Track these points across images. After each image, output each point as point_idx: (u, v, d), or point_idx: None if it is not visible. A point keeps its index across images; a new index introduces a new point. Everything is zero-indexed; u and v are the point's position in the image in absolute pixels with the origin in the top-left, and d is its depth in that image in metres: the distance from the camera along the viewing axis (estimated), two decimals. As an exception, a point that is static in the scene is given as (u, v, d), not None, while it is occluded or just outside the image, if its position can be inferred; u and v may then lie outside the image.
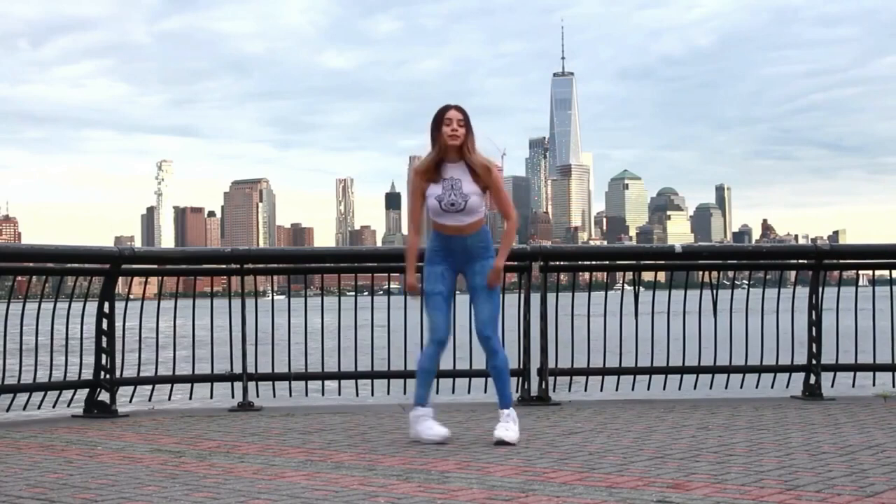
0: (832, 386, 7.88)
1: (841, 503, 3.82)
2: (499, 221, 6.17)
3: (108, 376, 7.22)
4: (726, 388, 7.93)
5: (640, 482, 4.28)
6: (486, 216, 5.72)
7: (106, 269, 7.42)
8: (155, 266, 8.21)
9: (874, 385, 8.17)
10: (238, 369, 7.62)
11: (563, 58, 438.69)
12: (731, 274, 9.86)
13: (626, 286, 8.03)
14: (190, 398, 7.83)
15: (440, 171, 5.58)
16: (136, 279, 8.00)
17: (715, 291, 8.01)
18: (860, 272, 8.63)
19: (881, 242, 8.72)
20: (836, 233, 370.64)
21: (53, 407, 7.26)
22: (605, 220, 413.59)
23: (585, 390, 8.27)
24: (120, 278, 7.61)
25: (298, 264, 8.48)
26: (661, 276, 8.46)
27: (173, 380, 7.69)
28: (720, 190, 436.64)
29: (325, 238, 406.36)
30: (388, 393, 7.95)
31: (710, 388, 8.02)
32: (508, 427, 5.48)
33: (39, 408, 7.20)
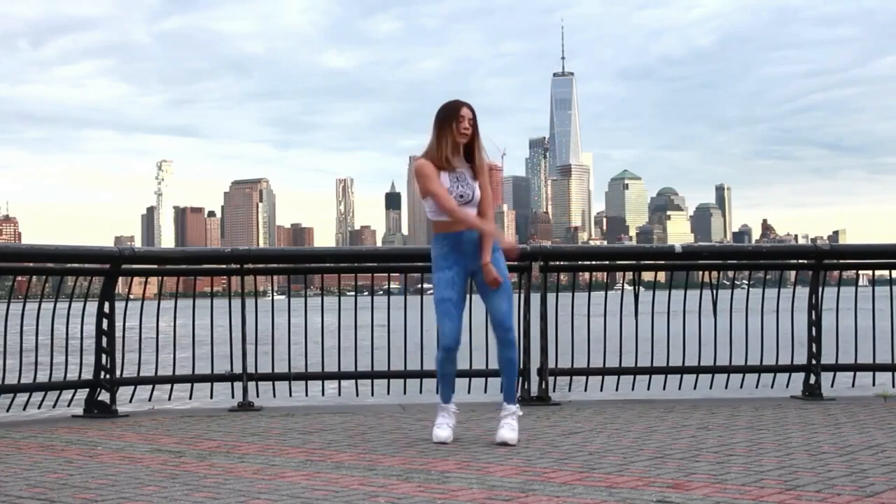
0: (832, 386, 7.88)
1: (841, 503, 3.83)
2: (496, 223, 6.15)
3: (108, 376, 7.22)
4: (726, 388, 7.93)
5: (640, 482, 4.29)
6: None
7: (106, 269, 7.42)
8: (155, 266, 8.21)
9: (874, 385, 8.17)
10: (238, 369, 7.62)
11: (563, 58, 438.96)
12: (731, 274, 9.86)
13: (626, 286, 8.03)
14: (190, 398, 7.83)
15: (450, 160, 5.57)
16: (136, 279, 8.00)
17: (715, 291, 8.01)
18: (860, 272, 8.63)
19: (881, 242, 8.72)
20: (836, 233, 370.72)
21: (53, 407, 7.26)
22: (605, 220, 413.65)
23: (585, 390, 8.27)
24: (120, 278, 7.61)
25: (298, 264, 8.48)
26: (661, 276, 8.46)
27: (173, 380, 7.69)
28: (720, 190, 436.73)
29: (325, 238, 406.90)
30: (388, 393, 7.95)
31: (710, 388, 8.02)
32: (514, 427, 5.48)
33: (39, 408, 7.20)
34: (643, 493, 4.05)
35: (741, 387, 7.92)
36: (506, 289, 5.64)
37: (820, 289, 7.94)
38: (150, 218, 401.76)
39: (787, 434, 5.74)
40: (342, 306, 7.84)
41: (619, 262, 8.64)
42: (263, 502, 3.99)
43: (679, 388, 7.93)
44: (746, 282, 8.89)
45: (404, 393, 7.87)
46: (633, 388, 7.93)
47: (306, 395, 8.01)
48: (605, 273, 8.84)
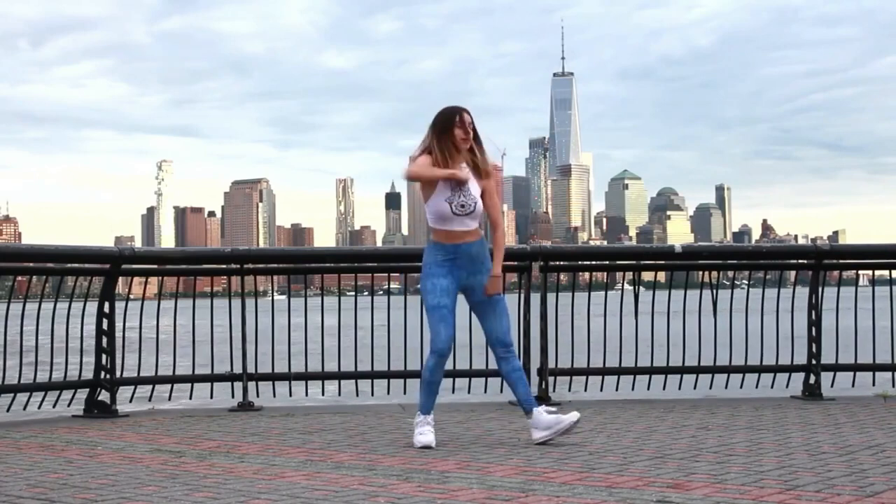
0: (832, 386, 7.88)
1: (841, 503, 3.83)
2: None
3: (108, 376, 7.22)
4: (726, 388, 7.93)
5: (640, 482, 4.29)
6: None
7: (106, 269, 7.42)
8: (155, 266, 8.21)
9: (874, 385, 8.17)
10: (238, 369, 7.62)
11: (563, 58, 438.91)
12: (731, 274, 9.86)
13: (626, 286, 8.03)
14: (190, 398, 7.83)
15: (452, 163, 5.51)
16: (137, 279, 8.00)
17: (715, 291, 8.01)
18: (860, 272, 8.63)
19: (881, 242, 8.72)
20: (836, 233, 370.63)
21: (53, 407, 7.26)
22: (605, 220, 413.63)
23: (585, 390, 8.27)
24: (120, 278, 7.61)
25: (298, 264, 8.48)
26: (661, 276, 8.46)
27: (173, 380, 7.69)
28: (720, 190, 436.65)
29: (325, 238, 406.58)
30: (388, 393, 7.95)
31: (710, 388, 8.02)
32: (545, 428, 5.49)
33: (39, 408, 7.20)
34: (643, 493, 4.05)
35: (741, 387, 7.92)
36: (503, 309, 5.61)
37: (820, 289, 7.95)
38: (150, 218, 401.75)
39: (787, 434, 5.74)
40: (342, 306, 7.84)
41: (619, 262, 8.64)
42: (263, 502, 3.99)
43: (679, 388, 7.93)
44: (746, 282, 8.89)
45: (404, 393, 7.87)
46: (633, 388, 7.93)
47: (306, 395, 8.01)
48: (605, 273, 8.83)
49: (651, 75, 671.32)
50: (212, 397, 7.79)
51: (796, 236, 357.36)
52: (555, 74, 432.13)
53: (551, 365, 7.62)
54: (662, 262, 8.40)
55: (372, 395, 7.84)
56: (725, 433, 5.79)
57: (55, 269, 7.48)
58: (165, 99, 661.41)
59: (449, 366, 7.26)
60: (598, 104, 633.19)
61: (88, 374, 7.37)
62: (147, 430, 6.34)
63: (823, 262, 8.02)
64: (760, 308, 7.94)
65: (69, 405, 7.28)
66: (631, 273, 8.14)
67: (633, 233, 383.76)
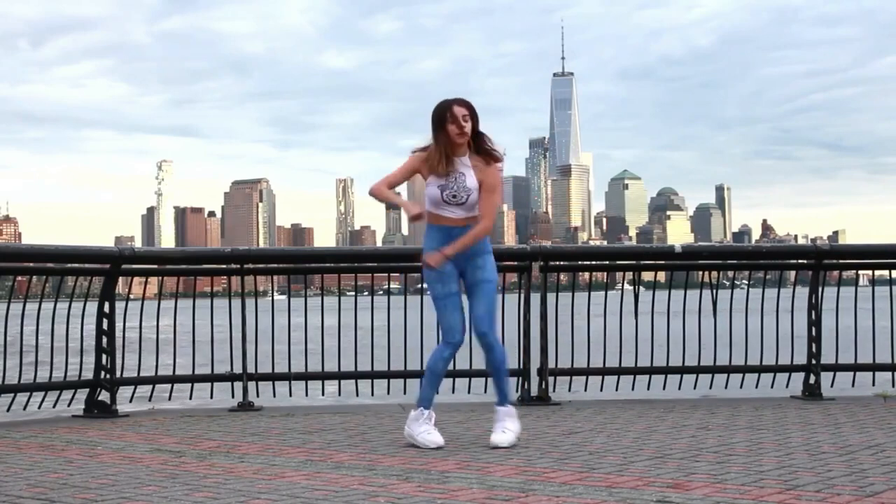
0: (832, 386, 7.88)
1: (841, 503, 3.83)
2: (497, 223, 6.08)
3: (108, 376, 7.22)
4: (726, 388, 7.93)
5: (640, 482, 4.29)
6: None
7: (106, 269, 7.42)
8: (155, 266, 8.20)
9: (874, 385, 8.17)
10: (238, 369, 7.62)
11: (563, 58, 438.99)
12: (731, 274, 9.86)
13: (626, 286, 8.03)
14: (190, 398, 7.83)
15: (447, 165, 5.42)
16: (137, 279, 8.00)
17: (715, 291, 8.01)
18: (860, 272, 8.63)
19: (881, 242, 8.71)
20: (836, 233, 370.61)
21: (53, 407, 7.26)
22: (605, 220, 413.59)
23: (585, 390, 8.27)
24: (120, 278, 7.61)
25: (298, 264, 8.48)
26: (661, 276, 8.46)
27: (173, 380, 7.69)
28: (720, 190, 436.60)
29: (325, 238, 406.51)
30: (388, 393, 7.95)
31: (710, 388, 8.02)
32: (505, 428, 5.41)
33: (39, 408, 7.20)
34: (643, 493, 4.05)
35: (741, 387, 7.92)
36: (486, 292, 5.48)
37: (820, 289, 7.95)
38: (150, 218, 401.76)
39: (787, 434, 5.74)
40: (342, 306, 7.84)
41: (619, 262, 8.64)
42: (263, 502, 3.99)
43: (679, 388, 7.93)
44: (746, 282, 8.89)
45: (404, 393, 7.86)
46: (633, 388, 7.93)
47: (306, 395, 8.01)
48: (605, 273, 8.83)
49: (651, 75, 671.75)
50: (212, 397, 7.79)
51: (796, 236, 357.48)
52: (555, 74, 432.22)
53: (551, 365, 7.62)
54: (662, 262, 8.40)
55: (372, 395, 7.84)
56: (725, 433, 5.79)
57: (55, 269, 7.48)
58: (165, 99, 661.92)
59: (448, 366, 7.30)
60: (598, 104, 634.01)
61: (88, 374, 7.36)
62: (147, 430, 6.34)
63: (823, 262, 8.02)
64: (760, 308, 7.94)
65: (69, 405, 7.28)
66: (631, 273, 8.14)
67: (633, 233, 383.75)
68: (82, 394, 7.27)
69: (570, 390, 8.11)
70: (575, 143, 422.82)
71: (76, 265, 7.44)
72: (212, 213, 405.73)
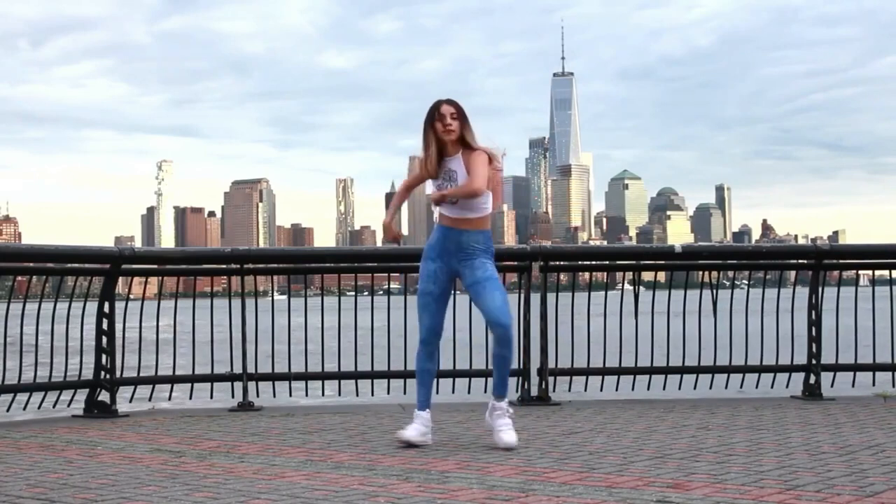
0: (832, 386, 7.87)
1: (841, 503, 3.83)
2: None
3: (108, 376, 7.22)
4: (726, 388, 7.92)
5: (640, 482, 4.28)
6: (490, 217, 5.55)
7: (106, 269, 7.42)
8: (155, 266, 8.20)
9: (874, 385, 8.17)
10: (238, 369, 7.62)
11: (563, 58, 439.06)
12: (731, 274, 9.86)
13: (626, 286, 8.03)
14: (190, 398, 7.83)
15: (440, 165, 5.47)
16: (136, 279, 8.00)
17: (715, 291, 8.00)
18: (860, 272, 8.63)
19: (881, 242, 8.71)
20: (836, 233, 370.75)
21: (53, 407, 7.26)
22: (605, 220, 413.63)
23: (585, 390, 8.27)
24: (120, 278, 7.61)
25: (298, 264, 8.47)
26: (661, 276, 8.46)
27: (173, 380, 7.69)
28: (720, 190, 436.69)
29: (325, 238, 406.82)
30: (388, 393, 7.95)
31: (710, 388, 8.01)
32: (511, 427, 5.39)
33: (39, 408, 7.20)
34: (643, 493, 4.05)
35: (741, 387, 7.92)
36: (497, 286, 5.46)
37: (820, 289, 7.94)
38: (150, 218, 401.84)
39: (787, 434, 5.74)
40: (342, 306, 7.84)
41: (619, 262, 8.63)
42: (263, 502, 3.99)
43: (679, 388, 7.92)
44: (746, 282, 8.89)
45: (404, 393, 7.86)
46: (633, 388, 7.93)
47: (306, 395, 8.01)
48: (605, 273, 8.83)
49: (651, 75, 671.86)
50: (212, 397, 7.79)
51: (796, 236, 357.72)
52: (555, 74, 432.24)
53: (551, 365, 7.61)
54: (662, 262, 8.39)
55: (372, 395, 7.84)
56: (725, 433, 5.79)
57: (55, 269, 7.48)
58: (165, 99, 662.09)
59: (449, 366, 7.30)
60: (598, 104, 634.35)
61: (88, 374, 7.36)
62: (147, 430, 6.34)
63: (823, 262, 8.02)
64: (760, 308, 7.94)
65: (69, 405, 7.28)
66: (631, 273, 8.14)
67: (633, 233, 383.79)
68: (82, 394, 7.27)
69: (570, 390, 8.11)
70: (575, 143, 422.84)
71: (76, 265, 7.44)
72: (212, 213, 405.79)
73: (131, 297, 7.80)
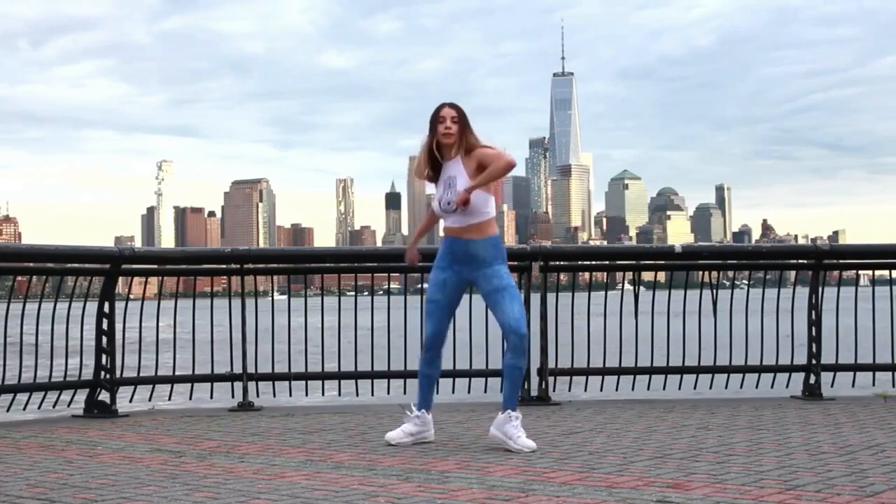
0: (832, 386, 7.88)
1: (841, 503, 3.83)
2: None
3: (108, 376, 7.22)
4: (726, 388, 7.93)
5: (640, 482, 4.29)
6: (494, 221, 5.49)
7: (106, 269, 7.42)
8: (155, 266, 8.21)
9: (874, 385, 8.17)
10: (238, 369, 7.62)
11: (563, 58, 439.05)
12: (731, 274, 9.86)
13: (626, 286, 8.02)
14: (190, 398, 7.83)
15: (440, 171, 5.49)
16: (136, 279, 8.00)
17: (715, 291, 8.01)
18: (860, 272, 8.63)
19: (881, 242, 8.71)
20: (836, 233, 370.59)
21: (53, 407, 7.26)
22: (605, 220, 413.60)
23: (585, 390, 8.28)
24: (120, 278, 7.61)
25: (298, 264, 8.47)
26: (661, 276, 8.46)
27: (173, 380, 7.69)
28: (720, 190, 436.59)
29: (325, 238, 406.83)
30: (388, 393, 7.95)
31: (710, 388, 8.02)
32: (522, 436, 5.30)
33: (39, 408, 7.20)
34: (643, 493, 4.05)
35: (741, 387, 7.92)
36: (515, 295, 5.40)
37: (820, 289, 7.95)
38: (150, 218, 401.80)
39: (787, 434, 5.74)
40: (342, 306, 7.84)
41: (619, 262, 8.64)
42: (263, 502, 3.99)
43: (679, 388, 7.93)
44: (746, 282, 8.89)
45: (404, 393, 7.86)
46: (633, 388, 7.93)
47: (306, 395, 8.01)
48: (605, 273, 8.83)
49: (651, 75, 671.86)
50: (212, 397, 7.79)
51: (796, 236, 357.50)
52: (555, 74, 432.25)
53: (551, 365, 7.62)
54: (662, 262, 8.40)
55: (372, 395, 7.84)
56: (725, 433, 5.79)
57: (55, 269, 7.48)
58: (165, 99, 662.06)
59: (448, 365, 7.29)
60: (598, 104, 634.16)
61: (88, 374, 7.37)
62: (147, 430, 6.34)
63: (823, 262, 8.02)
64: (760, 308, 7.94)
65: (69, 405, 7.28)
66: (631, 273, 8.14)
67: (633, 233, 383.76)
68: (82, 394, 7.27)
69: (570, 390, 8.11)
70: (575, 143, 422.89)
71: (76, 265, 7.44)
72: (212, 213, 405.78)
73: (131, 297, 7.81)
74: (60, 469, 4.87)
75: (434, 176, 5.54)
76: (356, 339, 7.86)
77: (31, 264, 7.46)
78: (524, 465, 4.79)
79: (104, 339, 7.28)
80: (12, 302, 7.71)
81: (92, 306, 7.34)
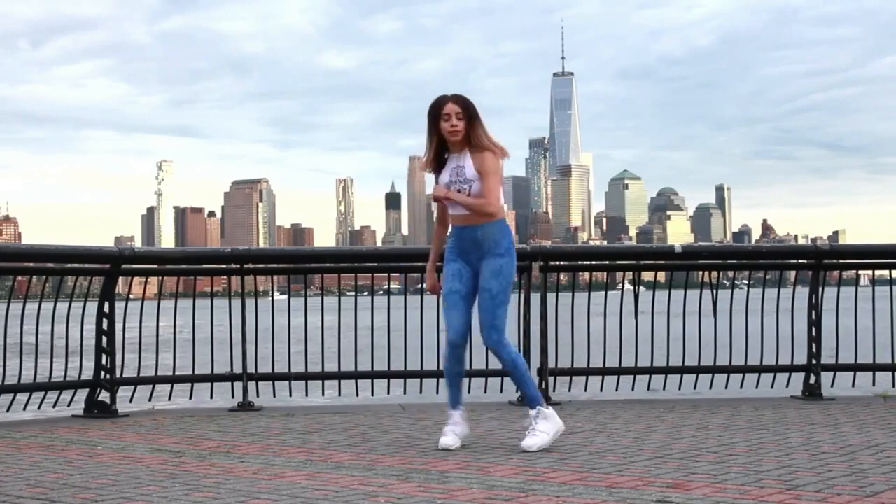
0: (832, 386, 7.87)
1: (841, 503, 3.83)
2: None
3: (108, 376, 7.22)
4: (726, 388, 7.92)
5: (640, 482, 4.28)
6: (501, 208, 5.39)
7: (106, 269, 7.42)
8: (155, 266, 8.20)
9: (874, 385, 8.17)
10: (238, 369, 7.62)
11: (563, 58, 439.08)
12: (731, 274, 9.86)
13: (626, 286, 8.02)
14: (190, 398, 7.83)
15: (445, 161, 5.40)
16: (136, 279, 8.00)
17: (715, 291, 8.00)
18: (860, 272, 8.63)
19: (881, 242, 8.71)
20: (836, 233, 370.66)
21: (53, 407, 7.26)
22: (605, 220, 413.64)
23: (585, 390, 8.27)
24: (120, 278, 7.61)
25: (298, 264, 8.47)
26: (661, 276, 8.46)
27: (173, 380, 7.69)
28: (720, 190, 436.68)
29: (325, 238, 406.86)
30: (388, 393, 7.95)
31: (710, 388, 8.01)
32: (536, 432, 5.26)
33: (39, 408, 7.20)
34: (643, 493, 4.05)
35: (741, 387, 7.92)
36: (482, 301, 5.32)
37: (820, 289, 7.94)
38: (150, 218, 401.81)
39: (787, 434, 5.74)
40: (342, 306, 7.84)
41: (619, 262, 8.63)
42: (263, 502, 3.99)
43: (679, 388, 7.92)
44: (746, 282, 8.89)
45: (404, 393, 7.87)
46: (633, 388, 7.93)
47: (306, 395, 8.00)
48: (605, 273, 8.83)
49: (651, 75, 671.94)
50: (212, 397, 7.78)
51: (796, 236, 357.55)
52: (555, 74, 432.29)
53: (551, 365, 7.61)
54: (662, 262, 8.39)
55: (372, 395, 7.84)
56: (725, 433, 5.79)
57: (55, 269, 7.48)
58: (165, 99, 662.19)
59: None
60: (598, 104, 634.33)
61: (88, 374, 7.36)
62: (147, 430, 6.34)
63: (823, 262, 8.01)
64: (760, 308, 7.94)
65: (69, 405, 7.28)
66: (631, 273, 8.14)
67: (633, 233, 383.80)
68: (82, 394, 7.27)
69: (570, 390, 8.11)
70: (575, 143, 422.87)
71: (76, 265, 7.44)
72: (212, 213, 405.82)
73: (131, 297, 7.81)
74: (60, 469, 4.87)
75: (437, 167, 5.43)
76: (356, 339, 7.86)
77: (31, 264, 7.45)
78: (524, 465, 4.79)
79: (104, 339, 7.27)
80: (12, 302, 7.71)
81: (92, 306, 7.34)
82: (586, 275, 8.30)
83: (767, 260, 8.48)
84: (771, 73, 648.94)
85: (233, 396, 7.65)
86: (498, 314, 5.35)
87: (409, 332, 7.44)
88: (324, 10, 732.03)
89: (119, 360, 7.30)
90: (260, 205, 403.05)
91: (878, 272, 8.65)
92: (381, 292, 8.75)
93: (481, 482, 4.34)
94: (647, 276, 8.62)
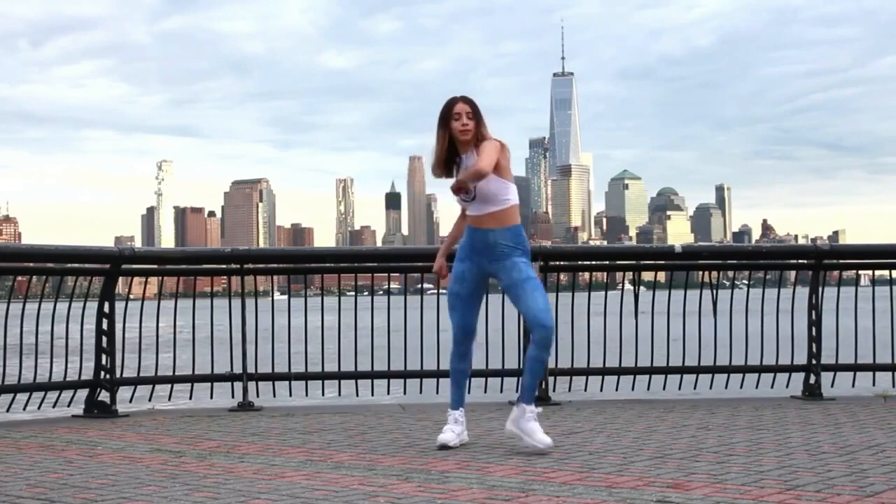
0: (832, 386, 7.87)
1: (841, 503, 3.83)
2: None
3: (108, 376, 7.22)
4: (726, 388, 7.92)
5: (640, 482, 4.28)
6: (516, 210, 5.37)
7: (106, 269, 7.42)
8: (155, 266, 8.20)
9: (874, 385, 8.17)
10: (238, 369, 7.62)
11: (563, 58, 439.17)
12: (731, 274, 9.86)
13: (626, 286, 8.02)
14: (190, 398, 7.83)
15: (456, 163, 5.40)
16: (136, 279, 8.00)
17: (715, 291, 8.00)
18: (860, 272, 8.63)
19: (881, 242, 8.71)
20: (836, 233, 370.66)
21: (53, 407, 7.26)
22: (605, 220, 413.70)
23: (585, 390, 8.27)
24: (120, 278, 7.61)
25: (298, 264, 8.47)
26: (661, 276, 8.45)
27: (173, 380, 7.69)
28: (720, 190, 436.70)
29: (325, 238, 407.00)
30: (388, 393, 7.95)
31: (710, 388, 8.01)
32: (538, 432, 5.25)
33: (39, 408, 7.20)
34: (643, 493, 4.05)
35: (741, 387, 7.91)
36: (536, 286, 5.29)
37: (820, 289, 7.94)
38: (150, 218, 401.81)
39: (787, 434, 5.74)
40: (342, 306, 7.84)
41: (619, 262, 8.63)
42: (263, 502, 3.99)
43: (679, 388, 7.92)
44: (746, 282, 8.89)
45: (404, 393, 7.87)
46: (633, 388, 7.93)
47: (306, 395, 8.00)
48: (606, 273, 8.83)
49: (651, 75, 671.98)
50: (212, 397, 7.78)
51: (796, 236, 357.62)
52: (555, 74, 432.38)
53: (551, 365, 7.60)
54: (662, 262, 8.39)
55: (372, 395, 7.83)
56: (725, 433, 5.79)
57: (55, 269, 7.48)
58: (165, 99, 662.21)
59: (447, 366, 7.27)
60: (598, 104, 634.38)
61: (88, 374, 7.36)
62: (147, 430, 6.34)
63: (823, 262, 8.01)
64: (760, 308, 7.94)
65: (69, 405, 7.28)
66: (631, 273, 8.14)
67: (633, 233, 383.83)
68: (82, 394, 7.27)
69: (569, 390, 8.10)
70: (575, 143, 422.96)
71: (76, 265, 7.44)
72: (212, 213, 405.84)
73: (131, 297, 7.80)
74: (60, 469, 4.87)
75: (448, 172, 5.44)
76: (356, 339, 7.86)
77: (31, 264, 7.45)
78: (524, 465, 4.79)
79: (104, 339, 7.27)
80: (12, 302, 7.71)
81: (92, 306, 7.34)
82: (586, 275, 8.30)
83: (767, 260, 8.48)
84: (771, 73, 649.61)
85: (233, 396, 7.65)
86: (546, 299, 5.35)
87: (409, 332, 7.44)
88: (324, 10, 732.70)
89: (119, 361, 7.30)
90: (260, 205, 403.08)
91: (878, 272, 8.64)
92: (381, 292, 8.75)
93: (481, 482, 4.34)
94: (648, 276, 8.62)
